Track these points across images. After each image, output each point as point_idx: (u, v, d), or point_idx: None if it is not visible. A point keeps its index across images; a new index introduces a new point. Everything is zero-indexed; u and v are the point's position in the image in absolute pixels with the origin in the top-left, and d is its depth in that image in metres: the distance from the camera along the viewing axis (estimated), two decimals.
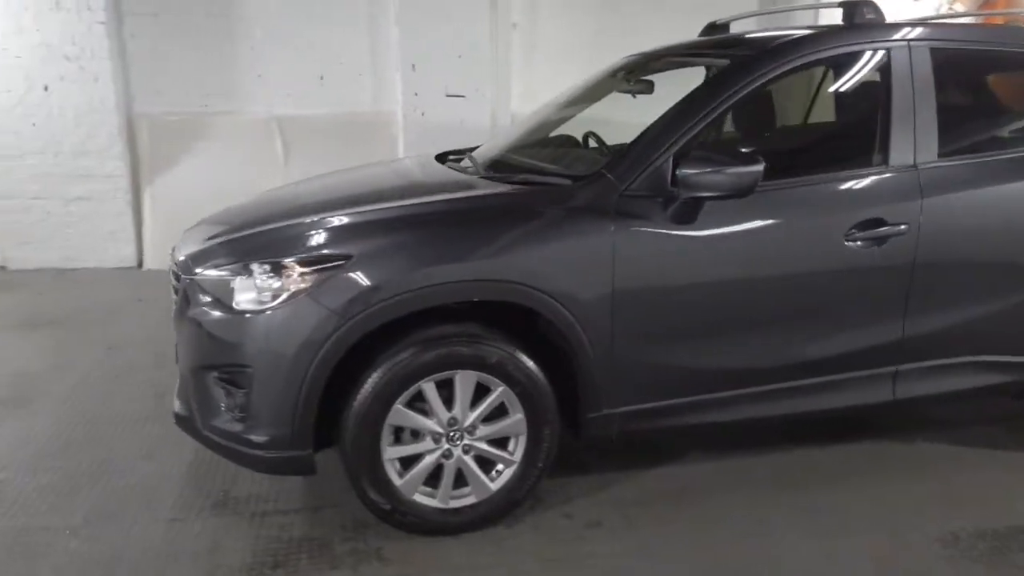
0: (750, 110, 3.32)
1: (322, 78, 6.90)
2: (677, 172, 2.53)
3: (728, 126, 3.50)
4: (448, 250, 2.48)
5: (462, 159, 3.47)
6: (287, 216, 2.74)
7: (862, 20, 2.93)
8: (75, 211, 6.58)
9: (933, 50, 2.93)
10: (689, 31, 3.93)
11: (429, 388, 2.53)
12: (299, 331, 2.38)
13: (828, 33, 2.95)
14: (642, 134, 2.73)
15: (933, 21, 3.06)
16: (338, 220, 2.61)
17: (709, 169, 2.49)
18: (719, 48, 3.31)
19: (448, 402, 2.57)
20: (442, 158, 3.55)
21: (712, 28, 3.84)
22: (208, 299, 2.54)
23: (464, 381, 2.55)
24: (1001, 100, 3.29)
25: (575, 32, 7.22)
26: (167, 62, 6.67)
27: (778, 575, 2.51)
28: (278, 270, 2.43)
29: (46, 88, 6.38)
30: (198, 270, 2.61)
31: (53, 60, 6.33)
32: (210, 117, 6.78)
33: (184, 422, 2.73)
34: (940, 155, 2.89)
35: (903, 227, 2.78)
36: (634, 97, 3.48)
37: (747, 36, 3.35)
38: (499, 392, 2.58)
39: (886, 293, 2.85)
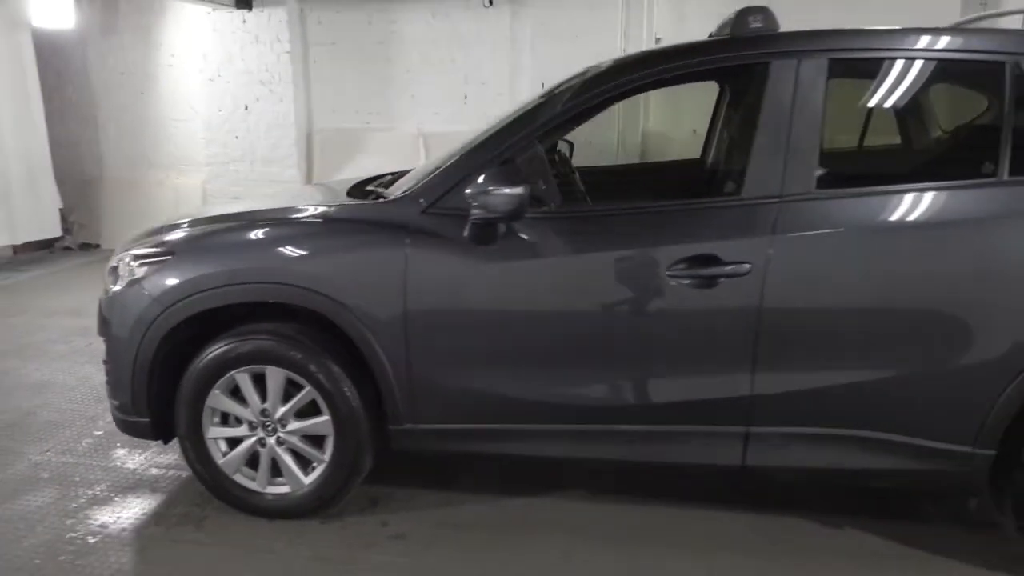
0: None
1: (466, 98, 7.37)
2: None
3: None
4: (243, 254, 2.72)
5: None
6: (183, 219, 3.16)
7: (743, 30, 2.58)
8: None
9: (835, 62, 2.47)
10: None
11: (242, 378, 2.78)
12: (132, 313, 2.79)
13: (694, 47, 2.64)
14: (462, 152, 2.71)
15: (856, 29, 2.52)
16: (188, 224, 2.96)
17: (483, 190, 2.42)
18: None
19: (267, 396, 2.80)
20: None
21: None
22: (107, 282, 3.05)
23: (273, 376, 2.76)
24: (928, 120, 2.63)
25: None
26: (340, 84, 7.63)
27: None
28: (130, 261, 2.86)
29: (246, 108, 7.68)
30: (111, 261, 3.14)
31: (251, 84, 7.61)
32: (369, 132, 7.61)
33: None
34: (821, 186, 2.43)
35: (745, 267, 2.40)
36: None
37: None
38: (306, 391, 2.75)
39: (724, 341, 2.47)
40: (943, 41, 2.45)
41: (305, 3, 7.52)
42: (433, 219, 2.61)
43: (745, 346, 2.46)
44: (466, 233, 2.55)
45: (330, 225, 2.76)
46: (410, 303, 2.59)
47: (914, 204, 2.39)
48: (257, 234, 2.79)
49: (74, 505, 3.01)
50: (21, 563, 2.63)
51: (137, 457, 3.43)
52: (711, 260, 2.42)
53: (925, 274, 2.36)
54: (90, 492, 3.12)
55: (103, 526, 2.87)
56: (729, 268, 2.41)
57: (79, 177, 8.55)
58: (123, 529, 2.85)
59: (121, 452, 3.48)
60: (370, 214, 2.73)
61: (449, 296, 2.59)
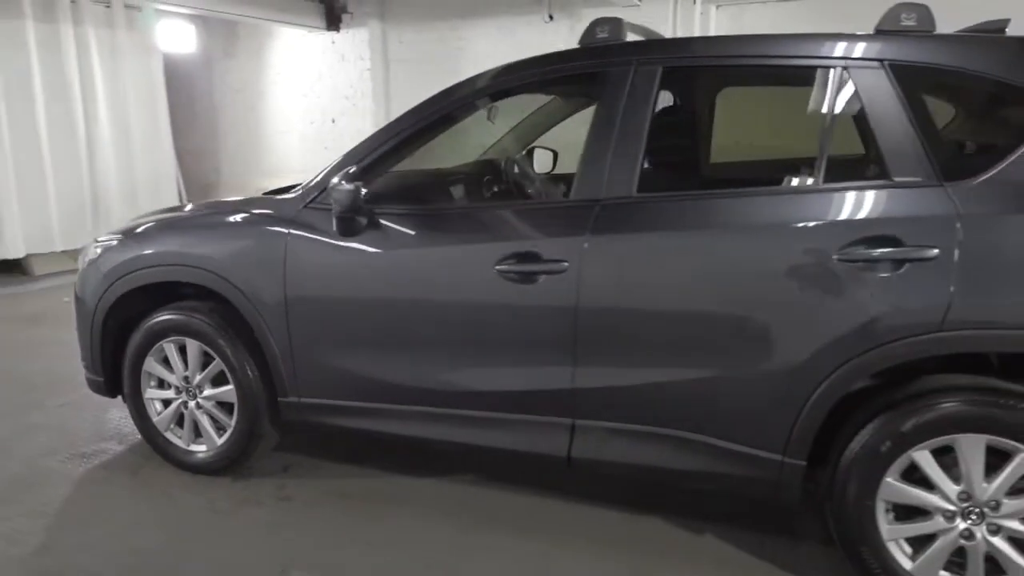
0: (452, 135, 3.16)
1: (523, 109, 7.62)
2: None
3: None
4: (164, 239, 3.16)
5: None
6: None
7: (591, 40, 2.69)
8: None
9: (670, 70, 2.54)
10: None
11: (169, 348, 3.23)
12: (91, 287, 3.32)
13: (547, 57, 2.77)
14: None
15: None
16: (148, 216, 3.46)
17: (336, 186, 2.70)
18: None
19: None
20: None
21: None
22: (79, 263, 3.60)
23: (191, 347, 3.18)
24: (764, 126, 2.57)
25: None
26: (416, 98, 8.13)
27: None
28: (93, 245, 3.41)
29: (333, 121, 8.40)
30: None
31: (338, 99, 8.32)
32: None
33: None
34: (643, 190, 2.50)
35: (563, 265, 2.52)
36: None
37: None
38: (215, 363, 3.15)
39: (546, 336, 2.58)
40: (776, 47, 2.45)
41: (387, 23, 8.12)
42: (311, 214, 2.92)
43: (565, 340, 2.56)
44: (333, 226, 2.84)
45: (233, 217, 3.14)
46: (288, 288, 2.92)
47: (727, 209, 2.41)
48: (181, 223, 3.24)
49: (54, 446, 3.60)
50: None
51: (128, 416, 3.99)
52: (532, 257, 2.56)
53: (732, 279, 2.36)
54: (73, 439, 3.70)
55: (59, 462, 3.43)
56: (547, 265, 2.53)
57: (203, 181, 9.68)
58: (78, 468, 3.39)
59: (117, 412, 4.05)
60: (265, 208, 3.09)
61: (317, 283, 2.89)
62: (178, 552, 2.74)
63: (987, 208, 2.12)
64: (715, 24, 6.81)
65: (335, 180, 2.73)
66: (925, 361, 2.23)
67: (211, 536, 2.85)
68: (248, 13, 7.92)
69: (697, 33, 6.69)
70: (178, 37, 8.77)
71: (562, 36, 7.33)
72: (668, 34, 6.77)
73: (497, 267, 2.60)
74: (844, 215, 2.25)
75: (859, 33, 2.36)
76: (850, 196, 2.27)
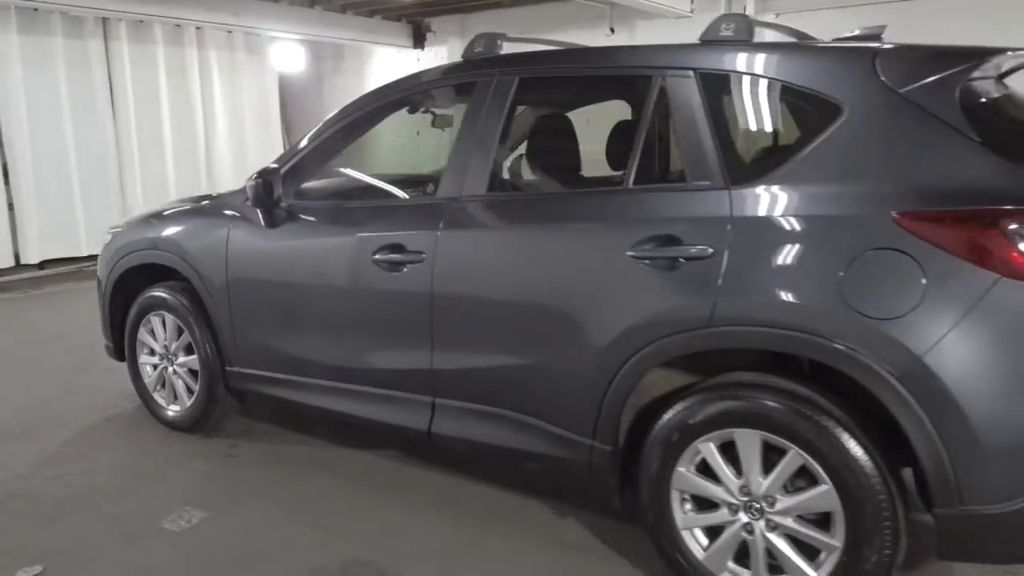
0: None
1: (588, 121, 7.82)
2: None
3: None
4: (149, 227, 3.73)
5: None
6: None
7: (470, 54, 2.95)
8: None
9: (526, 81, 2.77)
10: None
11: (156, 320, 3.80)
12: (103, 267, 3.97)
13: (442, 68, 3.06)
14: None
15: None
16: (165, 206, 4.07)
17: (247, 181, 3.14)
18: None
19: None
20: None
21: None
22: None
23: (169, 321, 3.74)
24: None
25: None
26: None
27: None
28: (108, 232, 4.07)
29: (418, 133, 8.99)
30: None
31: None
32: None
33: None
34: (493, 189, 2.74)
35: (422, 256, 2.79)
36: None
37: None
38: (184, 335, 3.69)
39: (410, 320, 2.84)
40: (612, 58, 2.61)
41: (466, 40, 8.58)
42: (248, 208, 3.37)
43: (424, 325, 2.83)
44: (260, 219, 3.28)
45: (200, 209, 3.67)
46: (229, 272, 3.39)
47: (552, 208, 2.60)
48: (167, 214, 3.80)
49: (80, 401, 4.30)
50: (14, 429, 3.93)
51: None
52: (399, 248, 2.86)
53: (544, 272, 2.53)
54: (98, 397, 4.39)
55: (78, 414, 4.11)
56: (410, 256, 2.82)
57: None
58: (89, 419, 4.05)
59: None
60: (221, 202, 3.59)
61: (249, 267, 3.34)
62: (119, 490, 3.25)
63: (756, 211, 2.18)
64: (770, 32, 6.68)
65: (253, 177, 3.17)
66: (731, 356, 2.31)
67: (154, 480, 3.35)
68: (347, 36, 8.71)
69: None
70: (293, 58, 9.73)
71: None
72: None
73: (374, 257, 2.91)
74: (639, 215, 2.38)
75: (681, 44, 2.48)
76: (649, 197, 2.40)
